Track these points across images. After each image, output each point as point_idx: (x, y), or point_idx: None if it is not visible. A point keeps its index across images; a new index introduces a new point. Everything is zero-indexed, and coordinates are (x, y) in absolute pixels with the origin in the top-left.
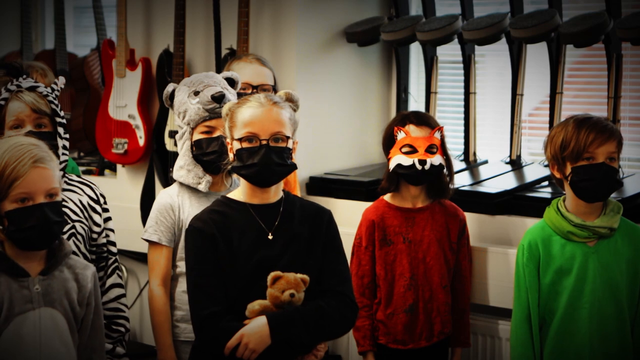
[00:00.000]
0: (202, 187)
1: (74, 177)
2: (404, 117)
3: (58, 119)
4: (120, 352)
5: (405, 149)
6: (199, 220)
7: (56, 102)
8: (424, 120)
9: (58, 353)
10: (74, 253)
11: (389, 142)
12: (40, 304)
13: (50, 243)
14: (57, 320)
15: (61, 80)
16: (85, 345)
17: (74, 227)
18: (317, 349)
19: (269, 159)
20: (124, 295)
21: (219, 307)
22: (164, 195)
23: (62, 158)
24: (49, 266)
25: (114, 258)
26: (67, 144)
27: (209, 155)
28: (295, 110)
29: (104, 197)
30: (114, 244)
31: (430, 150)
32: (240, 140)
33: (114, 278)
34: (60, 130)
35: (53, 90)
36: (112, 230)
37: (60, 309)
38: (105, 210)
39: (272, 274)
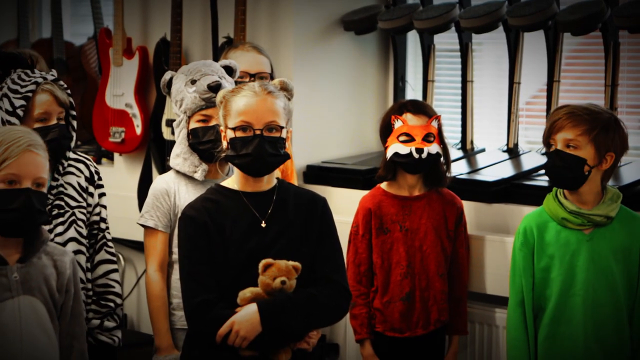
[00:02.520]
0: (198, 175)
1: (70, 155)
2: (402, 106)
3: (72, 112)
4: (110, 325)
5: (402, 138)
6: (192, 209)
7: (71, 95)
8: (421, 108)
9: (39, 341)
10: (76, 240)
11: (386, 130)
12: (19, 292)
13: (30, 230)
14: (37, 308)
15: (54, 73)
16: (65, 332)
17: (74, 213)
18: (310, 336)
19: (262, 149)
20: (114, 271)
21: (210, 295)
22: (160, 181)
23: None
24: (26, 254)
25: (102, 234)
26: (74, 136)
27: (205, 144)
28: (289, 99)
29: (98, 174)
30: (104, 220)
31: (427, 138)
32: (234, 129)
33: (102, 254)
34: (74, 123)
35: None
36: (105, 207)
37: (40, 297)
38: (100, 186)
39: (264, 262)
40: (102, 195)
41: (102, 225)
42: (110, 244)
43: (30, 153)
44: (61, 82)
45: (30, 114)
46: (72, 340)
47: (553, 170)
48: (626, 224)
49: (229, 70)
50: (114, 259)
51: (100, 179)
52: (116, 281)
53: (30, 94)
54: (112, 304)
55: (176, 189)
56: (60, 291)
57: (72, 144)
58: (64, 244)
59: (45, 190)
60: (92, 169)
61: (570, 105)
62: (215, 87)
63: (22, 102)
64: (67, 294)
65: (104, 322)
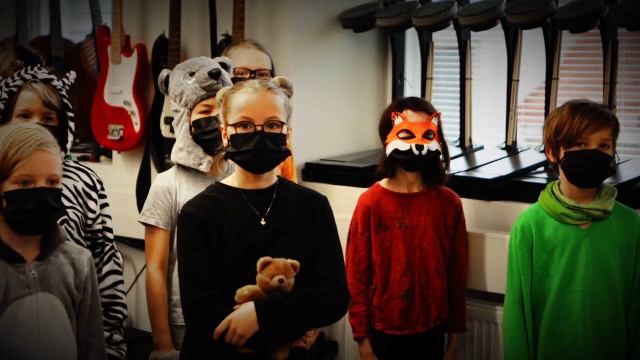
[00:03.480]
0: (203, 167)
1: (71, 163)
2: (402, 103)
3: (69, 114)
4: (118, 339)
5: (402, 134)
6: (191, 206)
7: (67, 97)
8: (422, 106)
9: (57, 337)
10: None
11: (386, 127)
12: (37, 289)
13: (46, 228)
14: (55, 305)
15: (72, 75)
16: (84, 330)
17: (66, 213)
18: (307, 335)
19: (263, 145)
20: (121, 282)
21: (208, 292)
22: (161, 179)
23: (68, 153)
24: (44, 251)
25: (110, 245)
26: (72, 138)
27: (209, 133)
28: (289, 96)
29: (101, 183)
30: (110, 230)
31: (427, 135)
32: (234, 125)
33: (110, 265)
34: (71, 124)
35: (64, 84)
36: (109, 217)
37: (58, 294)
38: (102, 196)
39: (262, 259)
40: (105, 205)
41: (109, 236)
42: (117, 254)
43: (41, 152)
44: (54, 83)
45: (13, 109)
46: (90, 338)
47: (594, 170)
48: (622, 219)
49: (224, 67)
50: (121, 269)
51: (103, 189)
52: (123, 292)
53: (15, 89)
54: (120, 316)
55: (177, 186)
56: (79, 289)
57: (69, 146)
58: None
59: (59, 186)
60: (95, 179)
61: (592, 103)
62: (216, 74)
63: (5, 96)
64: (85, 292)
65: (113, 336)
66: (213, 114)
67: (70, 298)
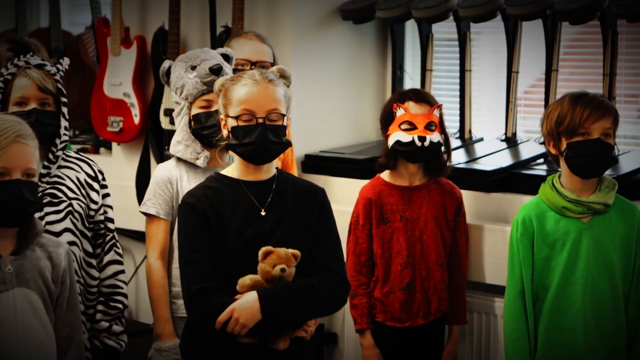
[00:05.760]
0: (200, 162)
1: (72, 154)
2: (403, 94)
3: (63, 99)
4: (117, 330)
5: (404, 126)
6: (191, 196)
7: (62, 82)
8: (423, 97)
9: (35, 332)
10: (71, 231)
11: (387, 119)
12: (13, 285)
13: (22, 221)
14: (32, 300)
15: (66, 61)
16: (62, 323)
17: (70, 204)
18: (308, 325)
19: (265, 138)
20: (122, 272)
21: (209, 282)
22: (162, 169)
23: (64, 138)
24: (20, 246)
25: (111, 235)
26: (67, 124)
27: (208, 128)
28: (288, 86)
29: (102, 174)
30: (112, 220)
31: (429, 127)
32: (236, 118)
33: (111, 255)
34: (64, 110)
35: (58, 70)
36: (111, 207)
37: (35, 289)
38: (104, 186)
39: (263, 249)
40: (106, 195)
41: (111, 226)
42: (118, 244)
43: (18, 144)
44: (48, 68)
45: (9, 98)
46: (70, 331)
47: (598, 159)
48: (622, 212)
49: (226, 59)
50: (122, 259)
51: (104, 179)
52: (124, 282)
53: (9, 77)
54: (120, 306)
55: (178, 176)
56: (56, 283)
57: (62, 131)
58: (59, 234)
59: (35, 179)
60: (96, 169)
61: (591, 93)
62: (217, 70)
63: (0, 85)
64: (63, 286)
65: (112, 326)
66: (213, 108)
67: (47, 292)
